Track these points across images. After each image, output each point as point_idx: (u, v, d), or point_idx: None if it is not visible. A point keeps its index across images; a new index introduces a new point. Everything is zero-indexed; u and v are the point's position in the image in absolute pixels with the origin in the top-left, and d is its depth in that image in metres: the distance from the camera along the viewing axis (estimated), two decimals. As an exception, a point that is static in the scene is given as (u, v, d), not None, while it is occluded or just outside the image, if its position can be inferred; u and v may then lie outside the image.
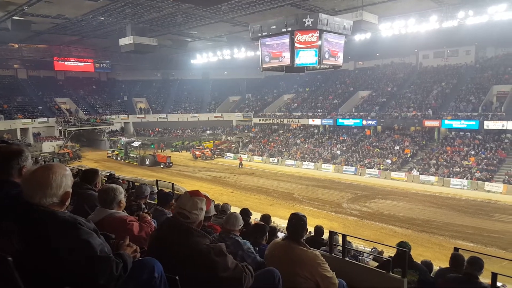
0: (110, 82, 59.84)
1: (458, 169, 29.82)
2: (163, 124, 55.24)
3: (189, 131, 54.69)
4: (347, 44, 23.76)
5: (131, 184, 8.70)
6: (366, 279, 5.03)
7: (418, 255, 14.61)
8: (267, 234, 4.87)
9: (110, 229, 2.91)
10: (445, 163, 31.17)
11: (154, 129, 54.40)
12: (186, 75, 60.18)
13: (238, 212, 7.55)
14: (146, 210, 4.58)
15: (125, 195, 3.79)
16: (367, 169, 33.50)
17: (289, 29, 20.47)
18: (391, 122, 38.78)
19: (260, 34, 21.52)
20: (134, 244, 2.69)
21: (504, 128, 31.75)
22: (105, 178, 8.86)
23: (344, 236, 5.60)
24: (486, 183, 27.33)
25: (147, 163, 37.93)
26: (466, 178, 28.41)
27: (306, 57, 21.03)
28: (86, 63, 51.32)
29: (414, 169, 31.79)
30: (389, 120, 38.82)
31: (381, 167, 33.24)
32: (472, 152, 31.64)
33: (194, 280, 2.43)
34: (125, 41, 31.64)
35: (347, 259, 5.60)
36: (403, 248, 5.04)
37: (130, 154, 40.47)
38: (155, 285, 2.07)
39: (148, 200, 8.35)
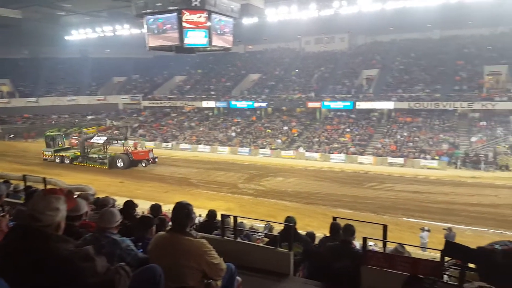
0: (-38, 61, 49.63)
1: (336, 145, 33.15)
2: (33, 110, 48.16)
3: (66, 116, 48.98)
4: (236, 27, 23.80)
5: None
6: (257, 256, 5.14)
7: (305, 225, 15.77)
8: (153, 227, 4.55)
9: None
10: (326, 140, 34.33)
11: (22, 115, 47.21)
12: (60, 53, 53.24)
13: (124, 204, 6.96)
14: (3, 213, 3.85)
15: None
16: (260, 149, 34.87)
17: (176, 7, 19.52)
18: (280, 104, 40.99)
19: (144, 11, 20.08)
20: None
21: (372, 107, 36.51)
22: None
23: (235, 218, 5.61)
24: (359, 156, 31.00)
25: (120, 165, 29.09)
26: (343, 153, 31.78)
27: (196, 38, 20.39)
28: None
29: (300, 147, 34.24)
30: (278, 102, 40.96)
31: (273, 147, 34.96)
32: (348, 130, 35.49)
33: (58, 290, 2.09)
34: (-23, 11, 26.35)
35: (239, 240, 5.65)
36: (288, 223, 5.28)
37: (91, 155, 30.70)
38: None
39: (12, 200, 7.11)
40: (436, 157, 28.54)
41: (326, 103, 37.90)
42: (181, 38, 20.00)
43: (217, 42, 21.22)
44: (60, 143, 33.37)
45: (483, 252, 3.16)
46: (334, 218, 5.97)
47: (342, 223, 5.43)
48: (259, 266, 5.05)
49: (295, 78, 44.48)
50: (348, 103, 36.92)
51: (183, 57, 49.81)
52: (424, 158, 28.68)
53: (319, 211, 19.32)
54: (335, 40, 47.24)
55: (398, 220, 17.95)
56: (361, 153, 31.42)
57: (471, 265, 3.54)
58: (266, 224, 12.86)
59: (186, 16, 19.74)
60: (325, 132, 35.93)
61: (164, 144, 39.00)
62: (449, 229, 14.02)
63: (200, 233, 5.19)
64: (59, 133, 35.80)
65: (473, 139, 30.45)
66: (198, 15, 19.89)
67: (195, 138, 39.45)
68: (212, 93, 46.30)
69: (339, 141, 33.79)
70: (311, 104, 38.76)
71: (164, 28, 20.39)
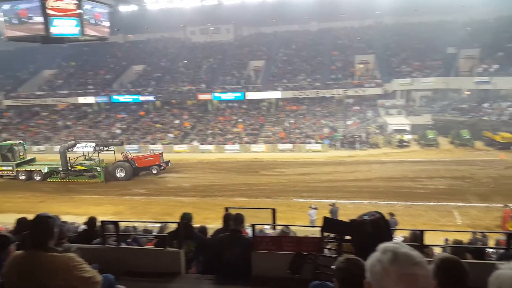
0: None
1: (230, 136, 33.59)
2: None
3: None
4: (114, 15, 21.97)
5: None
6: (146, 260, 4.85)
7: (204, 218, 15.49)
8: (10, 246, 3.75)
9: None
10: (219, 132, 34.49)
11: None
12: None
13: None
14: None
15: None
16: (150, 146, 33.16)
17: (38, -8, 17.04)
18: (169, 96, 39.64)
19: (-3, -5, 17.02)
20: None
21: (262, 97, 37.96)
22: None
23: (115, 223, 5.10)
24: (252, 145, 31.97)
25: (121, 175, 24.16)
26: (237, 143, 32.38)
27: (65, 27, 18.03)
28: None
29: (194, 140, 33.74)
30: (166, 95, 39.54)
31: (164, 142, 33.66)
32: (240, 120, 36.25)
33: None
34: None
35: (123, 245, 5.14)
36: (179, 221, 4.97)
37: (76, 167, 24.57)
38: None
39: None
40: (319, 141, 31.09)
41: (217, 94, 38.02)
42: (47, 27, 17.52)
43: (90, 31, 19.18)
44: (21, 154, 26.14)
45: (355, 224, 3.58)
46: (226, 209, 5.88)
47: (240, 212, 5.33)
48: (149, 270, 4.73)
49: (183, 69, 43.50)
50: (238, 94, 37.65)
51: (52, 48, 43.84)
52: (309, 143, 31.00)
53: (216, 203, 19.22)
54: (221, 31, 47.57)
55: (290, 201, 18.98)
56: (254, 142, 32.42)
57: (348, 237, 3.83)
58: (162, 224, 12.23)
59: (51, 2, 17.37)
60: (218, 124, 36.07)
61: (35, 148, 34.14)
62: (333, 204, 15.34)
63: (75, 245, 4.56)
64: (19, 141, 28.20)
65: (349, 122, 34.07)
66: (66, 1, 17.61)
67: (72, 138, 35.57)
68: (90, 87, 42.26)
69: (233, 132, 34.29)
70: (202, 96, 38.44)
71: (26, 16, 17.62)
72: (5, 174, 25.11)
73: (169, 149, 32.55)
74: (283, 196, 19.94)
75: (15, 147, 26.03)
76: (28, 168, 25.18)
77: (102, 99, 40.13)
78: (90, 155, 24.69)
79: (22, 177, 24.85)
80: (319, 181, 22.20)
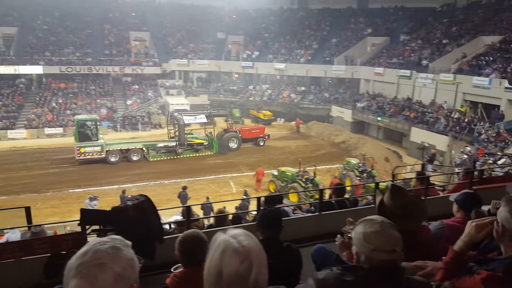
0: None
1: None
2: None
3: None
4: None
5: None
6: None
7: None
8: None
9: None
10: (-45, 116, 26.31)
11: None
12: None
13: None
14: None
15: None
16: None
17: None
18: None
19: None
20: None
21: (17, 72, 31.09)
22: None
23: None
24: (9, 131, 26.17)
25: (234, 145, 24.12)
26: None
27: None
28: None
29: None
30: None
31: None
32: None
33: None
34: None
35: None
36: None
37: (194, 140, 23.44)
38: None
39: None
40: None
41: None
42: None
43: None
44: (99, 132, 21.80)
45: (117, 211, 3.50)
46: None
47: None
48: None
49: None
50: (-19, 67, 29.55)
51: None
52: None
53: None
54: None
55: (64, 194, 16.90)
56: (11, 127, 26.56)
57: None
58: None
59: None
60: (-49, 106, 27.44)
61: None
62: (123, 191, 14.63)
63: None
64: (93, 116, 23.24)
65: (129, 102, 32.51)
66: None
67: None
68: None
69: (-24, 116, 26.86)
70: None
71: None
72: (89, 156, 20.64)
73: None
74: (55, 188, 17.46)
75: (91, 124, 21.58)
76: (121, 147, 21.70)
77: None
78: (203, 127, 24.43)
79: (113, 158, 21.32)
80: (97, 168, 20.38)
